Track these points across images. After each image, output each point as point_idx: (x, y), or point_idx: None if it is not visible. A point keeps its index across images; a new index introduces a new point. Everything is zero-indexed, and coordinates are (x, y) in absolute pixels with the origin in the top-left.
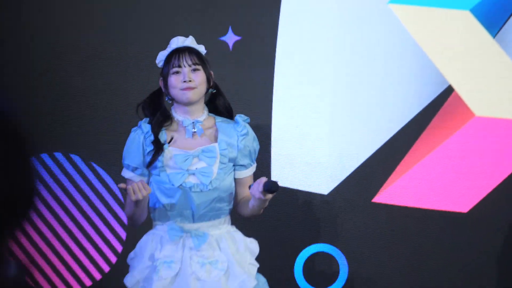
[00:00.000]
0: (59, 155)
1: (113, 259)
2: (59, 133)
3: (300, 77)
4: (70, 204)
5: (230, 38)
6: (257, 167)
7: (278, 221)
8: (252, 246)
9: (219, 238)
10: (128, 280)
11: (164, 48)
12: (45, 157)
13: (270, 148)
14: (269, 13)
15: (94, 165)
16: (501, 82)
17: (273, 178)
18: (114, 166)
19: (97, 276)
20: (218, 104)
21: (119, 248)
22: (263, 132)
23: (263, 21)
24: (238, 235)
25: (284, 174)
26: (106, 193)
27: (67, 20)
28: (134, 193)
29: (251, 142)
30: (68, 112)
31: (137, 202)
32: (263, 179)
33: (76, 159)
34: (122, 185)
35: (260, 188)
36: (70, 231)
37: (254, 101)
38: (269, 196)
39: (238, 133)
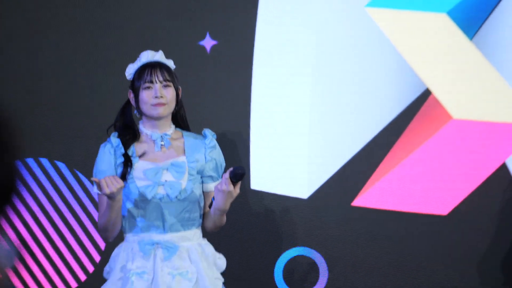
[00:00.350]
0: (44, 161)
1: (97, 258)
2: (42, 138)
3: (278, 80)
4: (58, 207)
5: (208, 43)
6: None
7: (258, 225)
8: (219, 262)
9: (189, 249)
10: None
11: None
12: (30, 161)
13: (249, 152)
14: (247, 16)
15: (77, 171)
16: (478, 85)
17: (252, 183)
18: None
19: (82, 277)
20: (177, 117)
21: (102, 245)
22: (241, 136)
23: (240, 25)
24: (209, 248)
25: (263, 178)
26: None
27: (46, 23)
28: (107, 186)
29: (218, 155)
30: (51, 117)
31: (111, 202)
32: (230, 169)
33: (60, 164)
34: (94, 179)
35: (226, 175)
36: (60, 232)
37: (233, 104)
38: (236, 188)
39: (206, 146)
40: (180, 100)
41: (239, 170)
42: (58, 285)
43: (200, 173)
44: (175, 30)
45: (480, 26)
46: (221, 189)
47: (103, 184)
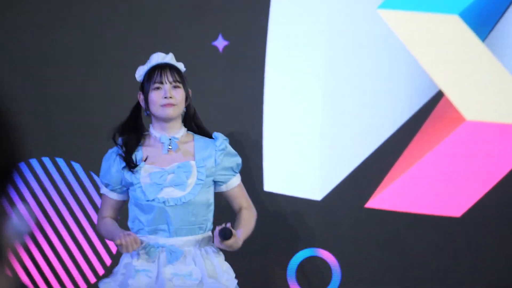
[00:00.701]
0: (60, 160)
1: (108, 261)
2: (55, 137)
3: (291, 81)
4: (71, 206)
5: (220, 43)
6: (249, 173)
7: (271, 226)
8: (229, 270)
9: (195, 255)
10: (103, 285)
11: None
12: (46, 160)
13: (262, 154)
14: (259, 17)
15: (92, 173)
16: (491, 86)
17: (265, 184)
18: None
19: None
20: (189, 122)
21: (114, 249)
22: (254, 137)
23: (252, 26)
24: (217, 257)
25: (277, 180)
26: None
27: (60, 23)
28: (127, 248)
29: (230, 157)
30: (64, 117)
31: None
32: (217, 229)
33: (76, 165)
34: (118, 241)
35: (217, 240)
36: (71, 232)
37: (245, 105)
38: (229, 242)
39: (216, 148)
40: (190, 104)
41: (226, 235)
42: (67, 286)
43: (211, 176)
44: (187, 31)
45: (492, 28)
46: (221, 247)
47: (123, 245)
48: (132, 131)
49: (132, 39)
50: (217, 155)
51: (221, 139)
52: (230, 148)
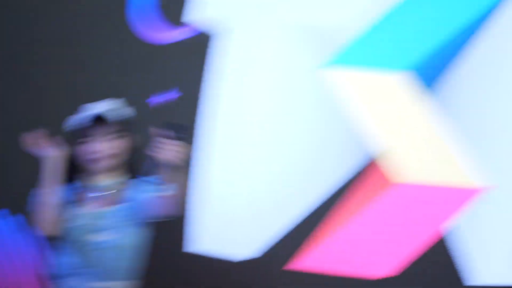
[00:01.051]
0: None
1: None
2: None
3: None
4: None
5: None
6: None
7: None
8: None
9: None
10: None
11: None
12: None
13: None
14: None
15: None
16: (422, 148)
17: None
18: None
19: None
20: (133, 170)
21: None
22: None
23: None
24: None
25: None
26: None
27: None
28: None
29: (146, 185)
30: None
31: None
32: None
33: None
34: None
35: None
36: None
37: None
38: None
39: (138, 190)
40: (132, 150)
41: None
42: None
43: (138, 213)
44: None
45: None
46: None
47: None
48: (73, 173)
49: None
50: (138, 193)
51: (141, 181)
52: (145, 181)
